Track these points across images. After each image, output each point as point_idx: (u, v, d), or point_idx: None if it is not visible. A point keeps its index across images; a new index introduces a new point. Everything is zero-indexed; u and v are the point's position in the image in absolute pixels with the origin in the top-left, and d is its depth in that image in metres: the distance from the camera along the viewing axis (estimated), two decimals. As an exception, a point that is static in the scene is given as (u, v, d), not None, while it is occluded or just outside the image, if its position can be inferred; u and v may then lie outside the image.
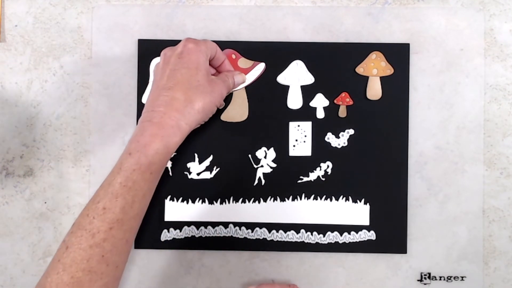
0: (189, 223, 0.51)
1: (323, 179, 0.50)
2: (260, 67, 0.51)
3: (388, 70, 0.51)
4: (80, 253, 0.39)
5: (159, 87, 0.44)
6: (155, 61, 0.51)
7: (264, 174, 0.51)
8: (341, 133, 0.51)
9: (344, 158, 0.50)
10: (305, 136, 0.51)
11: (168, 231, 0.50)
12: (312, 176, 0.51)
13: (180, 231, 0.51)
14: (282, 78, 0.51)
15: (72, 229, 0.40)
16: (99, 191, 0.41)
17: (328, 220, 0.50)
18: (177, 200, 0.51)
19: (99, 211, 0.40)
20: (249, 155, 0.51)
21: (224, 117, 0.51)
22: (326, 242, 0.50)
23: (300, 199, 0.51)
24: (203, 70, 0.44)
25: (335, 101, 0.51)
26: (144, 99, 0.51)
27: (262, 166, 0.51)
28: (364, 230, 0.50)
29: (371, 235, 0.50)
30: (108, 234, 0.40)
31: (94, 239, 0.39)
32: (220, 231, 0.50)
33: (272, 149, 0.51)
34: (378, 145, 0.51)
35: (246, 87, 0.51)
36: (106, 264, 0.39)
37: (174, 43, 0.51)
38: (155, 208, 0.50)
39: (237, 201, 0.51)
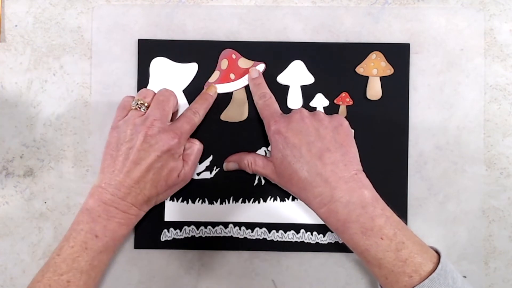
0: (189, 223, 0.51)
1: (323, 179, 0.50)
2: (260, 67, 0.51)
3: (388, 70, 0.51)
4: None
5: (125, 172, 0.44)
6: (155, 61, 0.51)
7: (264, 174, 0.51)
8: (341, 133, 0.51)
9: (344, 158, 0.50)
10: (305, 136, 0.51)
11: (168, 231, 0.50)
12: (312, 176, 0.51)
13: (180, 231, 0.51)
14: (282, 78, 0.51)
15: None
16: (61, 264, 0.43)
17: (328, 220, 0.50)
18: (177, 200, 0.51)
19: (64, 283, 0.42)
20: (249, 155, 0.51)
21: (224, 117, 0.51)
22: (326, 242, 0.50)
23: (300, 199, 0.51)
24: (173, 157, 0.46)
25: (335, 101, 0.51)
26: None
27: (262, 166, 0.51)
28: (364, 230, 0.50)
29: (371, 235, 0.50)
30: None
31: None
32: (220, 231, 0.50)
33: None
34: (378, 145, 0.51)
35: (246, 87, 0.51)
36: None
37: (174, 43, 0.51)
38: (155, 208, 0.50)
39: (237, 201, 0.51)
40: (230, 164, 0.50)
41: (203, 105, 0.49)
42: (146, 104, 0.46)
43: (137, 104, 0.46)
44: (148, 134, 0.44)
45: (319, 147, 0.44)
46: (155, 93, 0.48)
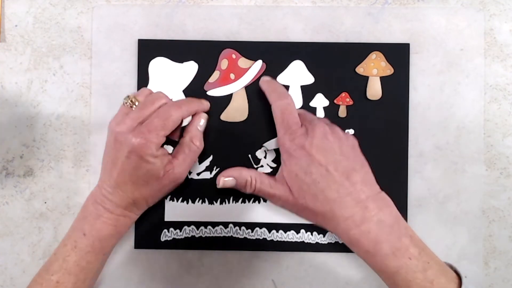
0: (189, 223, 0.51)
1: (323, 179, 0.50)
2: (257, 65, 0.50)
3: (388, 70, 0.51)
4: None
5: (108, 171, 0.44)
6: (155, 61, 0.51)
7: (264, 174, 0.51)
8: (341, 133, 0.51)
9: (344, 158, 0.50)
10: (305, 136, 0.51)
11: (168, 231, 0.51)
12: (312, 176, 0.50)
13: (180, 231, 0.51)
14: (282, 78, 0.51)
15: None
16: (53, 263, 0.43)
17: (328, 220, 0.50)
18: (177, 200, 0.51)
19: (53, 283, 0.42)
20: (249, 155, 0.51)
21: (224, 117, 0.51)
22: (326, 242, 0.51)
23: (300, 199, 0.50)
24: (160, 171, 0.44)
25: (335, 101, 0.51)
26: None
27: (262, 166, 0.51)
28: (364, 230, 0.50)
29: (371, 235, 0.50)
30: None
31: None
32: (220, 231, 0.50)
33: (272, 149, 0.51)
34: (378, 145, 0.51)
35: (246, 87, 0.51)
36: None
37: (174, 43, 0.51)
38: (155, 208, 0.50)
39: (237, 201, 0.51)
40: (228, 181, 0.47)
41: (186, 102, 0.47)
42: (137, 104, 0.45)
43: (126, 101, 0.45)
44: (117, 132, 0.42)
45: (345, 166, 0.43)
46: (151, 93, 0.47)
